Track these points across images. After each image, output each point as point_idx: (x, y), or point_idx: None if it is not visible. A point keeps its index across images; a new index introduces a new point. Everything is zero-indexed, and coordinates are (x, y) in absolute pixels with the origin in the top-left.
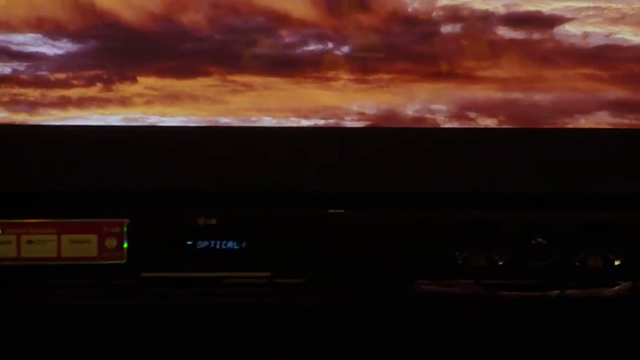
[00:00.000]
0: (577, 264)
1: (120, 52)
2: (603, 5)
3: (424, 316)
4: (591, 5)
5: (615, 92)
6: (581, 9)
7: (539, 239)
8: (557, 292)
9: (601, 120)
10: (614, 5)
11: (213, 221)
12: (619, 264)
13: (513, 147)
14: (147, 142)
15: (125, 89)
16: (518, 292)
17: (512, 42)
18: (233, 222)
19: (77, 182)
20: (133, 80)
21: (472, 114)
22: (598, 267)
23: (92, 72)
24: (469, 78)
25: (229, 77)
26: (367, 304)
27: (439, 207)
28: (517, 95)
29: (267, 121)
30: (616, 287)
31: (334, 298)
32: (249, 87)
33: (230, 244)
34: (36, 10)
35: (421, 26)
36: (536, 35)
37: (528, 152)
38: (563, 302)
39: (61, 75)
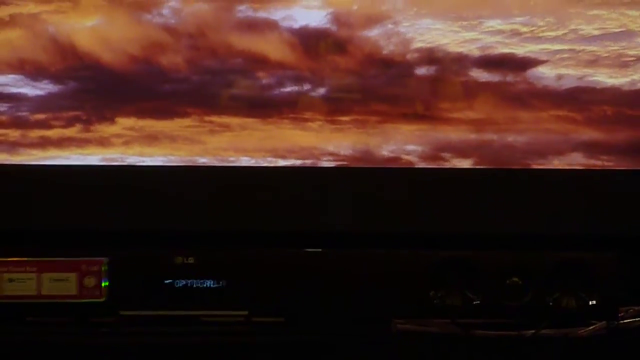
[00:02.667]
0: (551, 303)
1: (99, 94)
2: (577, 48)
3: (401, 355)
4: (566, 47)
5: (589, 134)
6: (556, 52)
7: (514, 279)
8: (532, 331)
9: (575, 161)
10: (588, 48)
11: (191, 260)
12: (592, 304)
13: (487, 188)
14: (126, 182)
15: (104, 129)
16: (493, 331)
17: (486, 84)
18: (211, 261)
19: (57, 221)
20: (112, 121)
21: (446, 155)
22: (572, 306)
23: (71, 113)
24: (444, 119)
25: (207, 118)
26: (344, 343)
27: (415, 246)
28: (491, 136)
29: (245, 161)
30: (590, 327)
31: (312, 337)
32: (226, 127)
33: (208, 283)
34: (18, 52)
35: (396, 68)
36: (510, 78)
37: (502, 193)
38: (538, 342)
39: (41, 116)
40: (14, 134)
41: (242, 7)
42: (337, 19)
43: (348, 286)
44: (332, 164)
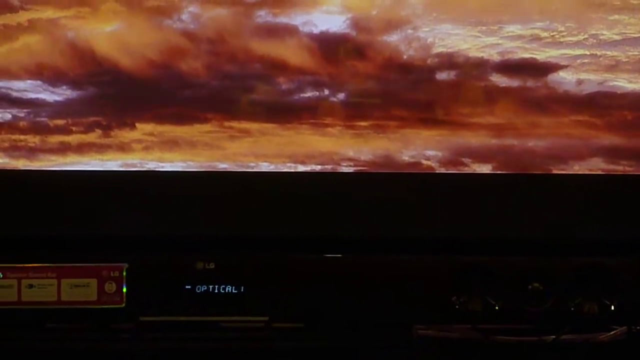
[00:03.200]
0: (572, 309)
1: (119, 99)
2: (598, 52)
3: None
4: (587, 53)
5: (610, 139)
6: (576, 57)
7: (535, 284)
8: (553, 337)
9: (595, 166)
10: (609, 53)
11: (211, 265)
12: (614, 309)
13: (508, 193)
14: (146, 188)
15: (124, 135)
16: (514, 337)
17: (507, 89)
18: (231, 266)
19: (76, 227)
20: (132, 126)
21: (467, 160)
22: (594, 312)
23: (91, 119)
24: (464, 124)
25: (227, 124)
26: (365, 349)
27: (436, 252)
28: (512, 141)
29: (265, 167)
30: (612, 332)
31: (332, 343)
32: (246, 133)
33: (228, 288)
34: (36, 57)
35: (416, 73)
36: (530, 83)
37: (523, 198)
38: (559, 347)
39: (60, 122)
40: (33, 139)
41: (261, 12)
42: (356, 24)
43: (368, 292)
44: (352, 170)
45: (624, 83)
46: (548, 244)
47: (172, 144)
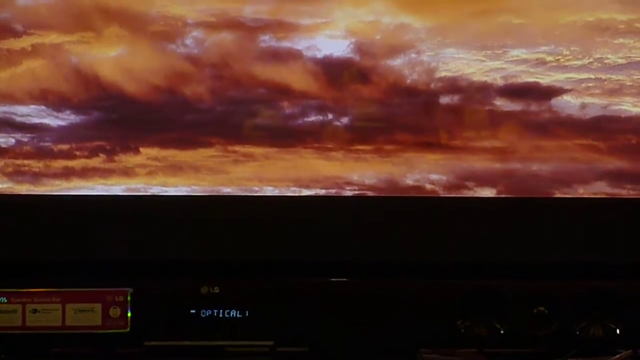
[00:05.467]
0: (578, 332)
1: (123, 124)
2: (603, 76)
3: None
4: (591, 76)
5: (614, 163)
6: (581, 80)
7: (540, 308)
8: None
9: (599, 190)
10: (614, 77)
11: (216, 290)
12: (619, 333)
13: (512, 217)
14: (150, 212)
15: (128, 159)
16: None
17: (511, 113)
18: (236, 290)
19: (81, 251)
20: (136, 151)
21: (470, 184)
22: (599, 335)
23: (95, 143)
24: (468, 148)
25: (230, 148)
26: None
27: (441, 276)
28: (516, 165)
29: (269, 191)
30: (617, 356)
31: None
32: (250, 157)
33: (233, 313)
34: (40, 82)
35: (420, 97)
36: (534, 107)
37: (527, 222)
38: None
39: (64, 146)
40: (37, 164)
41: (265, 37)
42: (360, 48)
43: (373, 316)
44: (356, 194)
45: (629, 107)
46: (553, 268)
47: (176, 169)
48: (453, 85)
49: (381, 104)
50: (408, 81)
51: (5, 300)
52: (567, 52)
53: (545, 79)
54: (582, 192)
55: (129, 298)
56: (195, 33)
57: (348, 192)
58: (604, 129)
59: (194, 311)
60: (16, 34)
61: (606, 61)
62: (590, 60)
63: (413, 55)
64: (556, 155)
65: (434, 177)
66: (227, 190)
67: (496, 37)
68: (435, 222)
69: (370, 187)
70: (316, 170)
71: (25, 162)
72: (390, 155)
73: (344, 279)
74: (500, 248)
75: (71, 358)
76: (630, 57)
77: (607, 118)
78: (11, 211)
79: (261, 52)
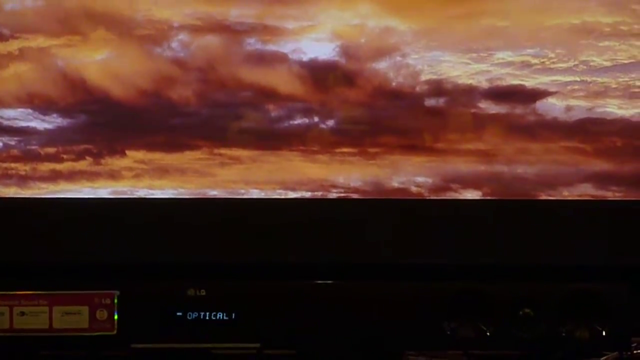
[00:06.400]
0: (564, 334)
1: (109, 127)
2: (588, 79)
3: None
4: (577, 79)
5: (599, 165)
6: (566, 83)
7: (526, 310)
8: None
9: (584, 192)
10: (599, 79)
11: (202, 292)
12: (605, 334)
13: (498, 219)
14: (137, 215)
15: (115, 162)
16: None
17: (496, 115)
18: (222, 293)
19: (68, 254)
20: (122, 154)
21: (456, 186)
22: (585, 337)
23: (81, 146)
24: (453, 151)
25: (217, 151)
26: None
27: (427, 278)
28: (501, 167)
29: (255, 193)
30: (603, 358)
31: None
32: (236, 160)
33: (219, 315)
34: (27, 85)
35: (405, 100)
36: (519, 109)
37: (513, 224)
38: None
39: (51, 150)
40: (24, 167)
41: (251, 40)
42: (345, 51)
43: (359, 318)
44: (341, 196)
45: (614, 109)
46: (539, 270)
47: (162, 172)
48: (438, 88)
49: (367, 106)
50: (393, 84)
51: None
52: (553, 55)
53: (531, 82)
54: (567, 194)
55: (115, 301)
56: (181, 36)
57: (334, 195)
58: (589, 131)
59: (180, 314)
60: (3, 38)
61: (591, 64)
62: (576, 62)
63: (398, 58)
64: (541, 158)
65: (420, 179)
66: (214, 193)
67: (481, 39)
68: (420, 224)
69: (356, 190)
70: (302, 172)
71: (12, 165)
72: (375, 158)
73: (330, 281)
74: (486, 250)
75: None
76: (615, 59)
77: (592, 120)
78: None
79: (247, 55)
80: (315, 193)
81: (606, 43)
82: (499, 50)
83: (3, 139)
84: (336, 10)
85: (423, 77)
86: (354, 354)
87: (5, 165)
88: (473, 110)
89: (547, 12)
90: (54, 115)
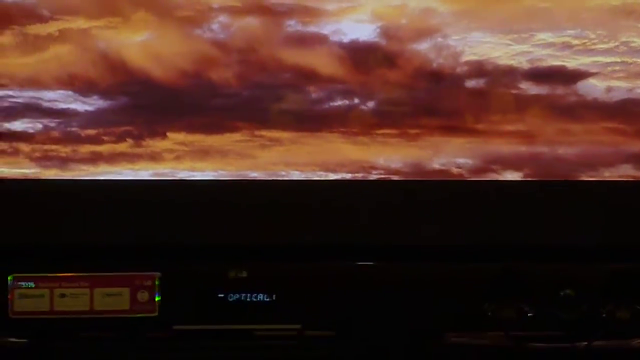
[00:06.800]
0: (605, 315)
1: (149, 109)
2: (629, 60)
3: None
4: (617, 60)
5: (639, 146)
6: (607, 64)
7: (567, 291)
8: (586, 343)
9: (625, 172)
10: (639, 60)
11: (243, 274)
12: None
13: (539, 200)
14: (178, 197)
15: (155, 144)
16: (547, 344)
17: (537, 96)
18: (263, 275)
19: (108, 236)
20: (163, 136)
21: (496, 167)
22: (626, 318)
23: (122, 128)
24: (494, 132)
25: (257, 132)
26: (397, 357)
27: (468, 259)
28: (542, 148)
29: (295, 175)
30: None
31: (364, 351)
32: (276, 142)
33: (260, 297)
34: (67, 67)
35: (446, 81)
36: (560, 90)
37: (553, 205)
38: (592, 354)
39: (92, 132)
40: (64, 149)
41: (291, 22)
42: (386, 32)
43: (400, 299)
44: (382, 177)
45: None
46: (579, 251)
47: (203, 153)
48: (479, 69)
49: (407, 88)
50: (434, 65)
51: (33, 285)
52: (593, 36)
53: (571, 63)
54: (607, 175)
55: (157, 282)
56: (221, 18)
57: (375, 176)
58: (629, 112)
59: (221, 295)
60: (43, 19)
61: (632, 45)
62: (616, 43)
63: (439, 40)
64: (582, 139)
65: (460, 160)
66: (254, 175)
67: (522, 21)
68: (461, 205)
69: (396, 171)
70: (342, 154)
71: (53, 147)
72: (416, 140)
73: (371, 263)
74: (526, 231)
75: (99, 342)
76: None
77: (633, 101)
78: (39, 196)
79: (287, 37)
80: (356, 175)
81: None
82: (540, 31)
83: (43, 121)
84: None
85: (464, 58)
86: (395, 336)
87: (45, 147)
88: (514, 92)
89: None
90: (94, 97)
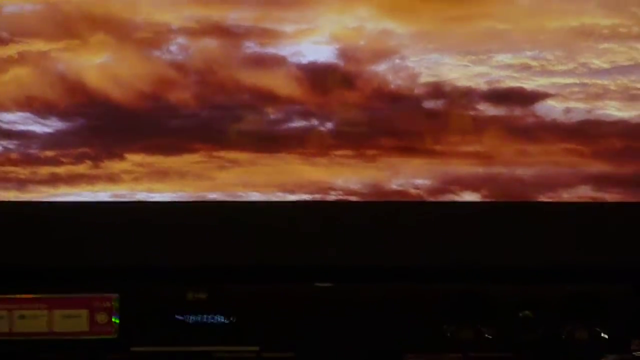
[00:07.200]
0: (564, 336)
1: (108, 130)
2: (588, 81)
3: None
4: (576, 81)
5: (598, 167)
6: (566, 85)
7: (526, 312)
8: None
9: (583, 194)
10: (598, 82)
11: (202, 296)
12: (605, 337)
13: (497, 221)
14: (136, 218)
15: (114, 166)
16: None
17: (495, 117)
18: (222, 296)
19: (67, 258)
20: (121, 157)
21: (455, 188)
22: (585, 339)
23: (80, 150)
24: (452, 153)
25: (215, 154)
26: None
27: (426, 280)
28: (500, 169)
29: (254, 196)
30: None
31: None
32: (235, 163)
33: (219, 318)
34: (26, 89)
35: (404, 102)
36: (518, 111)
37: (512, 226)
38: None
39: (50, 153)
40: (23, 171)
41: (250, 43)
42: (344, 54)
43: (359, 320)
44: (340, 198)
45: (613, 111)
46: (538, 272)
47: (161, 175)
48: (437, 91)
49: (365, 109)
50: (392, 86)
51: None
52: (552, 57)
53: (530, 84)
54: (566, 196)
55: (115, 304)
56: (179, 39)
57: (332, 197)
58: (588, 134)
59: (180, 317)
60: (2, 42)
61: (591, 66)
62: (575, 65)
63: (397, 61)
64: (540, 160)
65: (419, 181)
66: (213, 196)
67: (481, 42)
68: (419, 226)
69: (355, 192)
70: (301, 175)
71: (12, 168)
72: (374, 160)
73: (330, 284)
74: (485, 252)
75: None
76: (614, 61)
77: (591, 122)
78: None
79: (246, 58)
80: (315, 196)
81: (605, 45)
82: (498, 52)
83: (2, 142)
84: (335, 14)
85: (422, 80)
86: (354, 357)
87: (4, 169)
88: (472, 113)
89: (546, 15)
90: (53, 118)
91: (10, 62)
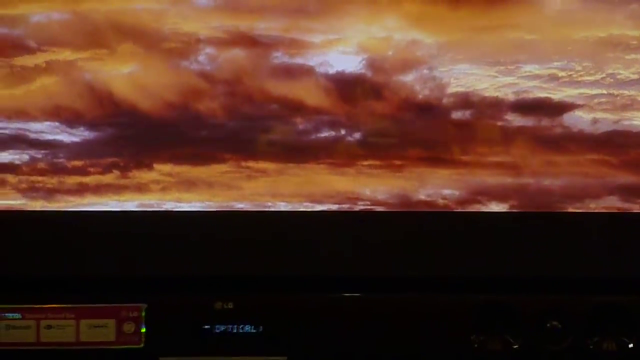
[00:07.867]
0: (591, 347)
1: (136, 140)
2: (615, 92)
3: None
4: (604, 92)
5: (625, 177)
6: (593, 96)
7: (554, 323)
8: None
9: (611, 204)
10: (626, 92)
11: (230, 305)
12: (632, 347)
13: (524, 232)
14: (164, 228)
15: (142, 175)
16: None
17: (523, 128)
18: (250, 306)
19: (95, 267)
20: (149, 167)
21: (483, 199)
22: (612, 350)
23: (108, 160)
24: (480, 164)
25: (244, 164)
26: None
27: (454, 291)
28: (528, 180)
29: (282, 206)
30: None
31: None
32: (263, 173)
33: (247, 328)
34: (53, 98)
35: (432, 113)
36: (546, 122)
37: (540, 237)
38: None
39: (78, 163)
40: (51, 180)
41: (278, 53)
42: (372, 64)
43: (387, 331)
44: (368, 209)
45: None
46: (566, 283)
47: (189, 185)
48: (465, 101)
49: (393, 119)
50: (420, 97)
51: (20, 316)
52: (580, 68)
53: (557, 95)
54: (593, 206)
55: (143, 314)
56: (207, 50)
57: (360, 208)
58: (615, 144)
59: (207, 327)
60: (30, 51)
61: (618, 76)
62: (603, 75)
63: (425, 71)
64: (568, 170)
65: (446, 192)
66: (241, 206)
67: (508, 53)
68: (447, 237)
69: (382, 203)
70: (329, 185)
71: (39, 178)
72: (402, 171)
73: (358, 294)
74: (513, 263)
75: None
76: None
77: (619, 133)
78: (25, 227)
79: (274, 69)
80: (342, 206)
81: (633, 56)
82: (526, 63)
83: (30, 152)
84: (362, 24)
85: (449, 90)
86: None
87: (32, 178)
88: (500, 123)
89: (573, 25)
90: (81, 128)
91: (37, 71)
